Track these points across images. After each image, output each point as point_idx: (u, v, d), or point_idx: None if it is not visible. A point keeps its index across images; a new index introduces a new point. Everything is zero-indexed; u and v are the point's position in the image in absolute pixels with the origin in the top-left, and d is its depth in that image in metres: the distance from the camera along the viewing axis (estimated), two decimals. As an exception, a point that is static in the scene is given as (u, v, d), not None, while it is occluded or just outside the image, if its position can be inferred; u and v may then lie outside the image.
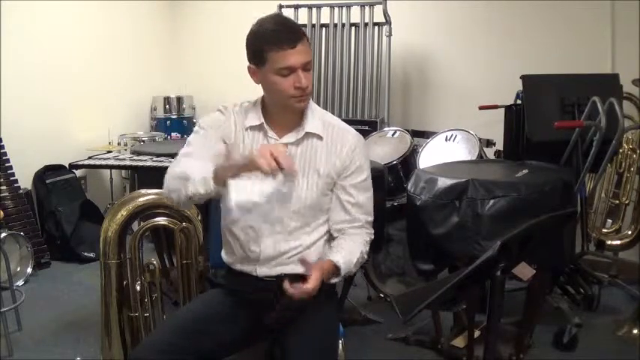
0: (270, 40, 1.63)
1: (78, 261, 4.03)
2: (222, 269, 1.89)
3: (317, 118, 1.74)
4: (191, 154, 1.70)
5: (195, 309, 1.80)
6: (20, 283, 3.56)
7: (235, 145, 1.73)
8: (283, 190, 1.51)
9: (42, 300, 3.38)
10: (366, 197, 1.77)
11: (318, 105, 4.41)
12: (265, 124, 1.72)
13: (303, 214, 1.72)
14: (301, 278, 1.55)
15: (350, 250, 1.71)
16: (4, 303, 2.86)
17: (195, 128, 1.77)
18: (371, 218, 1.79)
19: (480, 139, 3.26)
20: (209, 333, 1.68)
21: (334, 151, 1.72)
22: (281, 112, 1.71)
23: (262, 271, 1.74)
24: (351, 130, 1.77)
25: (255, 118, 1.73)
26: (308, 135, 1.71)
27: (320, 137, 1.71)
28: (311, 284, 1.53)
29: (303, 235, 1.73)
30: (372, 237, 1.80)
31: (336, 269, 1.65)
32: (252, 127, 1.73)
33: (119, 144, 4.50)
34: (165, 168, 1.71)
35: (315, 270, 1.56)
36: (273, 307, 1.59)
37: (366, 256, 1.77)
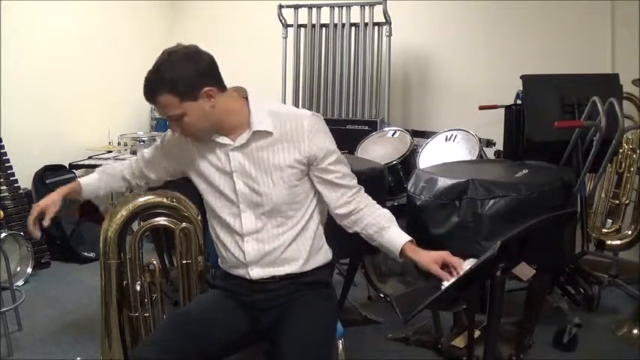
0: None
1: (78, 261, 4.03)
2: (220, 270, 1.90)
3: (263, 113, 1.72)
4: (139, 158, 1.97)
5: (195, 309, 1.80)
6: (20, 283, 3.56)
7: (192, 156, 1.79)
8: None
9: (42, 300, 3.38)
10: (347, 168, 1.81)
11: (319, 105, 4.47)
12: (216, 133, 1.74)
13: (278, 211, 1.73)
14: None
15: (381, 215, 1.79)
16: (4, 303, 2.86)
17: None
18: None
19: (480, 139, 3.26)
20: (209, 333, 1.69)
21: (290, 139, 1.71)
22: (225, 119, 1.72)
23: (254, 273, 1.75)
24: (302, 114, 1.76)
25: None
26: (257, 134, 1.71)
27: (270, 133, 1.71)
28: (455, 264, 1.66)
29: (285, 233, 1.75)
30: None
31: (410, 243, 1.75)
32: None
33: (119, 144, 4.51)
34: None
35: (432, 264, 1.67)
36: (269, 308, 1.66)
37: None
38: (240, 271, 1.77)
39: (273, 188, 1.71)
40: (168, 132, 1.86)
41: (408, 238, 1.74)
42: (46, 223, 1.86)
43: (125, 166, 2.00)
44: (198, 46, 1.73)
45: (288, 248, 1.75)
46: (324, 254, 1.83)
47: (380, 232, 1.76)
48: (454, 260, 1.64)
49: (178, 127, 1.69)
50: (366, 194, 1.82)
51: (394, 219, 1.80)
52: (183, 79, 1.62)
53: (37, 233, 1.86)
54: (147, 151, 1.97)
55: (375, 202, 1.82)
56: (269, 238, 1.74)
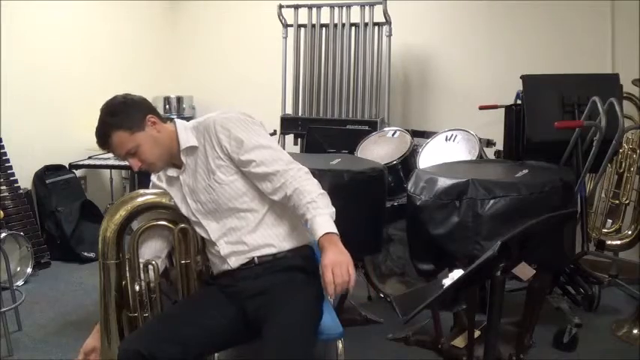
0: None
1: (78, 261, 4.03)
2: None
3: (187, 130, 1.87)
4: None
5: (184, 303, 1.90)
6: (20, 283, 3.56)
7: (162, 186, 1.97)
8: None
9: (42, 300, 3.38)
10: (265, 151, 1.79)
11: (319, 105, 4.47)
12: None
13: (229, 209, 1.83)
14: None
15: (306, 204, 1.70)
16: (4, 303, 2.86)
17: None
18: (286, 158, 1.81)
19: (480, 139, 3.26)
20: (196, 324, 1.75)
21: (209, 142, 1.83)
22: (173, 145, 1.87)
23: (233, 262, 1.84)
24: (212, 115, 1.88)
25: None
26: (187, 151, 1.86)
27: (196, 147, 1.85)
28: (326, 278, 1.59)
29: (248, 224, 1.83)
30: (305, 168, 1.80)
31: (329, 235, 1.65)
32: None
33: (119, 144, 4.50)
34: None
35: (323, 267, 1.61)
36: (253, 295, 1.74)
37: (321, 189, 1.74)
38: (222, 266, 1.88)
39: (214, 193, 1.83)
40: (152, 179, 2.02)
41: (323, 231, 1.64)
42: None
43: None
44: (128, 93, 1.89)
45: (255, 235, 1.82)
46: (298, 237, 1.87)
47: (307, 222, 1.72)
48: (326, 279, 1.58)
49: (136, 161, 1.83)
50: (296, 172, 1.76)
51: (322, 199, 1.70)
52: (126, 114, 1.81)
53: None
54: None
55: (304, 180, 1.74)
56: (235, 234, 1.84)
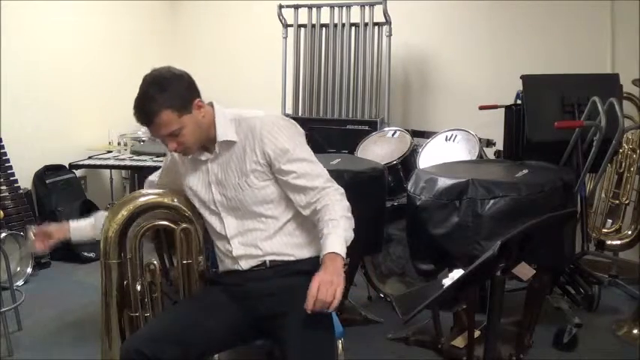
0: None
1: (78, 261, 4.03)
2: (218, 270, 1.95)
3: (227, 122, 1.81)
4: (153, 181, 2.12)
5: (187, 303, 1.88)
6: (20, 283, 3.56)
7: (182, 174, 1.93)
8: None
9: (42, 300, 3.38)
10: (307, 165, 1.78)
11: (319, 105, 4.46)
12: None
13: (253, 213, 1.80)
14: None
15: (328, 221, 1.69)
16: (4, 303, 2.87)
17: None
18: (326, 176, 1.80)
19: (480, 139, 3.26)
20: (198, 325, 1.73)
21: (250, 143, 1.78)
22: (211, 130, 1.81)
23: (244, 264, 1.82)
24: (256, 115, 1.82)
25: None
26: (224, 144, 1.81)
27: (234, 142, 1.80)
28: (310, 291, 1.56)
29: (267, 230, 1.81)
30: (342, 190, 1.79)
31: (334, 254, 1.63)
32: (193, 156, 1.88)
33: (119, 144, 4.50)
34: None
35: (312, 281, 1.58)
36: (265, 296, 1.70)
37: (350, 214, 1.74)
38: (232, 266, 1.85)
39: (242, 193, 1.79)
40: (168, 156, 2.00)
41: (331, 250, 1.63)
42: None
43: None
44: (171, 66, 1.81)
45: (271, 242, 1.81)
46: (312, 249, 1.84)
47: (322, 237, 1.71)
48: (311, 291, 1.56)
49: (174, 143, 1.76)
50: (332, 192, 1.75)
51: (344, 221, 1.70)
52: (176, 94, 1.72)
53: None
54: (154, 178, 2.12)
55: (337, 200, 1.73)
56: (252, 236, 1.82)
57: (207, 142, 1.83)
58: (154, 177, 2.15)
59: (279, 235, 1.81)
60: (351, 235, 1.71)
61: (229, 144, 1.80)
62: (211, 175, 1.84)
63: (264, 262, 1.81)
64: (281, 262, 1.81)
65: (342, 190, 1.80)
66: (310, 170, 1.77)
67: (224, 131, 1.80)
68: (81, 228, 2.05)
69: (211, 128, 1.80)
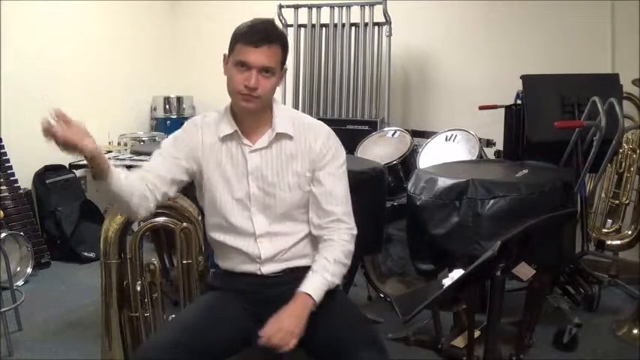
0: (241, 34, 1.68)
1: (78, 261, 4.02)
2: (220, 270, 1.87)
3: (286, 117, 1.75)
4: (144, 167, 1.76)
5: (198, 309, 1.78)
6: (20, 283, 3.55)
7: (205, 159, 1.74)
8: None
9: (42, 300, 3.37)
10: (341, 186, 1.76)
11: (319, 105, 4.46)
12: (239, 131, 1.73)
13: (289, 215, 1.75)
14: None
15: (318, 270, 1.67)
16: (4, 303, 2.86)
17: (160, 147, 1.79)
18: (348, 209, 1.77)
19: (480, 139, 3.26)
20: (213, 332, 1.67)
21: (307, 147, 1.73)
22: (249, 116, 1.72)
23: (266, 269, 1.75)
24: (320, 125, 1.79)
25: (228, 127, 1.74)
26: (279, 136, 1.73)
27: (291, 137, 1.73)
28: (270, 329, 1.55)
29: (297, 233, 1.76)
30: (354, 231, 1.77)
31: (309, 297, 1.62)
32: (225, 137, 1.73)
33: (119, 144, 4.50)
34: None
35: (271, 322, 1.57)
36: (278, 301, 1.62)
37: (347, 261, 1.73)
38: (249, 268, 1.76)
39: (289, 193, 1.73)
40: (169, 138, 1.82)
41: (307, 290, 1.62)
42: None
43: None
44: None
45: (299, 245, 1.76)
46: None
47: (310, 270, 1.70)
48: (266, 333, 1.55)
49: (257, 81, 1.64)
50: (344, 229, 1.73)
51: (336, 266, 1.68)
52: (287, 48, 1.71)
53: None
54: (153, 161, 1.79)
55: (343, 241, 1.72)
56: (281, 238, 1.75)
57: (255, 121, 1.72)
58: (142, 171, 1.77)
59: (303, 242, 1.78)
60: (335, 283, 1.69)
61: (285, 138, 1.73)
62: (251, 166, 1.72)
63: (286, 269, 1.76)
64: (298, 267, 1.76)
65: (354, 231, 1.76)
66: (338, 192, 1.74)
67: (281, 122, 1.73)
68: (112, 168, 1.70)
69: (267, 111, 1.73)
